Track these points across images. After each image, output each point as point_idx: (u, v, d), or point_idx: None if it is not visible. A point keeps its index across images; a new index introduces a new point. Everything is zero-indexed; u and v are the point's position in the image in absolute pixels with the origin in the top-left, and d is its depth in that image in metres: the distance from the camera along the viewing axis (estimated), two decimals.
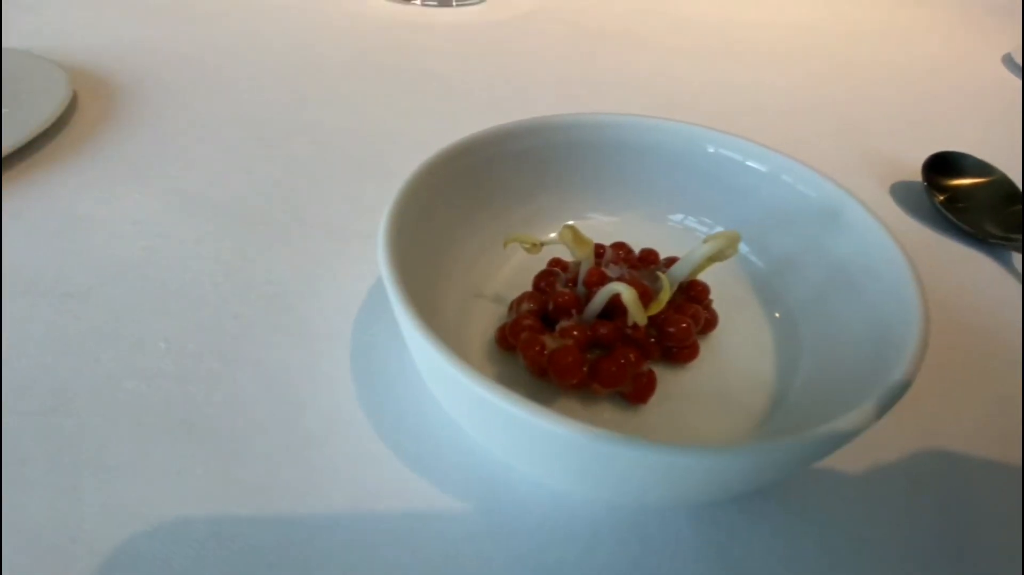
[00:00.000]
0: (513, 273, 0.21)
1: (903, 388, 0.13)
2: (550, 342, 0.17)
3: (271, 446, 0.16)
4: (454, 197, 0.19)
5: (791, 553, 0.15)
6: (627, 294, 0.16)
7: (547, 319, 0.18)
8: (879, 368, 0.15)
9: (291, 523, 0.15)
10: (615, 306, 0.17)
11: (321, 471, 0.16)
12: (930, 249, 0.26)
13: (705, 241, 0.17)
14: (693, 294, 0.19)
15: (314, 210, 0.25)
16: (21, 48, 0.33)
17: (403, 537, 0.15)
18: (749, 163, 0.21)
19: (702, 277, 0.19)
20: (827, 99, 0.39)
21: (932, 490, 0.17)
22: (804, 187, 0.20)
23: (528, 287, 0.19)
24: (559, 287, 0.18)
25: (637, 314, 0.16)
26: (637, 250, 0.20)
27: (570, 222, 0.21)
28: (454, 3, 0.48)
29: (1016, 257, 0.26)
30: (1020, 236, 0.26)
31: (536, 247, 0.18)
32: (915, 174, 0.30)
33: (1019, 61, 0.46)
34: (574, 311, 0.17)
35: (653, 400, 0.17)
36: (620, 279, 0.17)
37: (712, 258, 0.17)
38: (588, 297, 0.18)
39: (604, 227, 0.22)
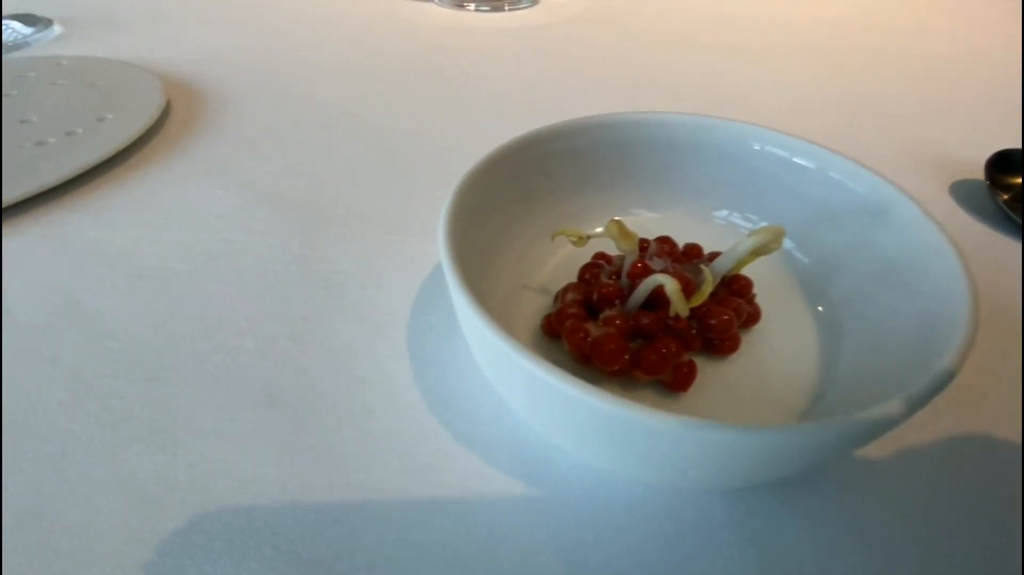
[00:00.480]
0: (559, 266, 0.22)
1: (948, 377, 0.13)
2: (594, 329, 0.18)
3: (335, 417, 0.18)
4: (507, 192, 0.20)
5: (826, 543, 0.15)
6: (670, 285, 0.16)
7: (591, 309, 0.19)
8: (923, 363, 0.15)
9: (351, 487, 0.17)
10: (658, 297, 0.18)
11: (378, 442, 0.18)
12: (993, 249, 0.25)
13: (749, 235, 0.17)
14: (736, 288, 0.19)
15: (374, 207, 0.27)
16: (121, 59, 0.37)
17: (450, 507, 0.16)
18: (796, 160, 0.21)
19: (746, 272, 0.19)
20: (881, 96, 0.38)
21: (975, 486, 0.17)
22: (853, 183, 0.20)
23: (574, 279, 0.20)
24: (603, 279, 0.19)
25: (679, 305, 0.17)
26: (681, 245, 0.21)
27: (616, 217, 0.22)
28: (506, 7, 0.49)
29: None
30: None
31: (583, 240, 0.19)
32: (977, 172, 0.29)
33: None
34: (617, 301, 0.18)
35: (693, 390, 0.18)
36: (663, 272, 0.18)
37: (756, 252, 0.18)
38: (631, 289, 0.18)
39: (649, 223, 0.23)
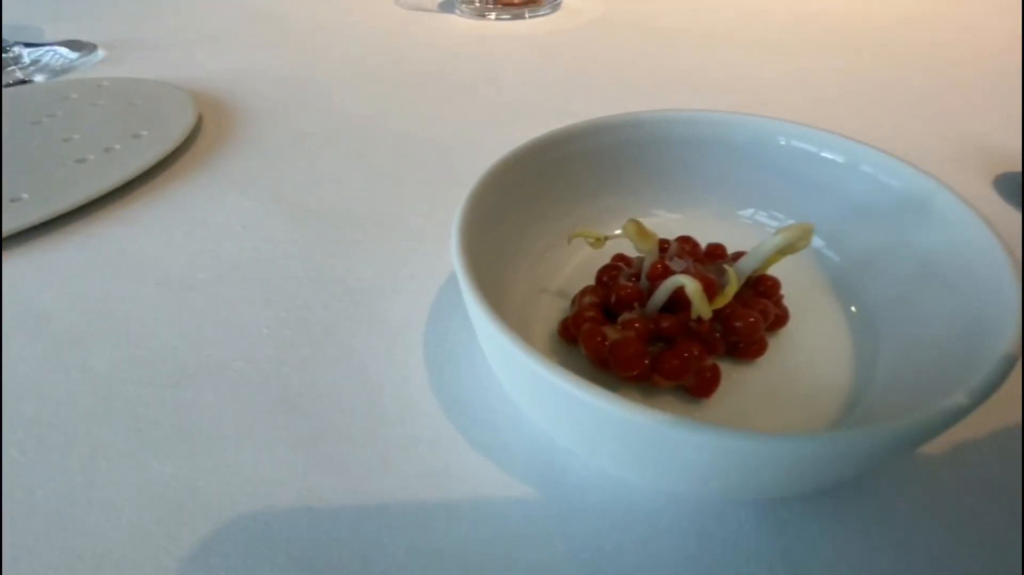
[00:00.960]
0: (577, 269, 0.21)
1: (999, 379, 0.12)
2: (612, 333, 0.17)
3: (352, 423, 0.18)
4: (523, 195, 0.20)
5: (865, 560, 0.14)
6: (691, 286, 0.16)
7: (609, 312, 0.18)
8: (970, 366, 0.14)
9: (367, 493, 0.16)
10: (679, 299, 0.17)
11: (395, 449, 0.17)
12: None
13: (776, 233, 0.17)
14: (762, 289, 0.18)
15: (394, 214, 0.27)
16: (158, 79, 0.38)
17: (466, 514, 0.16)
18: (824, 154, 0.20)
19: (773, 272, 0.18)
20: (918, 89, 0.36)
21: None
22: (886, 177, 0.19)
23: (591, 282, 0.20)
24: (622, 281, 0.19)
25: (701, 307, 0.16)
26: (704, 245, 0.20)
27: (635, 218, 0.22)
28: (526, 15, 0.49)
29: None
30: None
31: (600, 241, 0.19)
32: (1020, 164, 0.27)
33: None
34: (637, 304, 0.18)
35: (716, 396, 0.17)
36: (684, 272, 0.17)
37: (783, 251, 0.17)
38: (651, 291, 0.18)
39: (670, 224, 0.22)
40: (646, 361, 0.17)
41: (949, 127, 0.32)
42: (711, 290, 0.17)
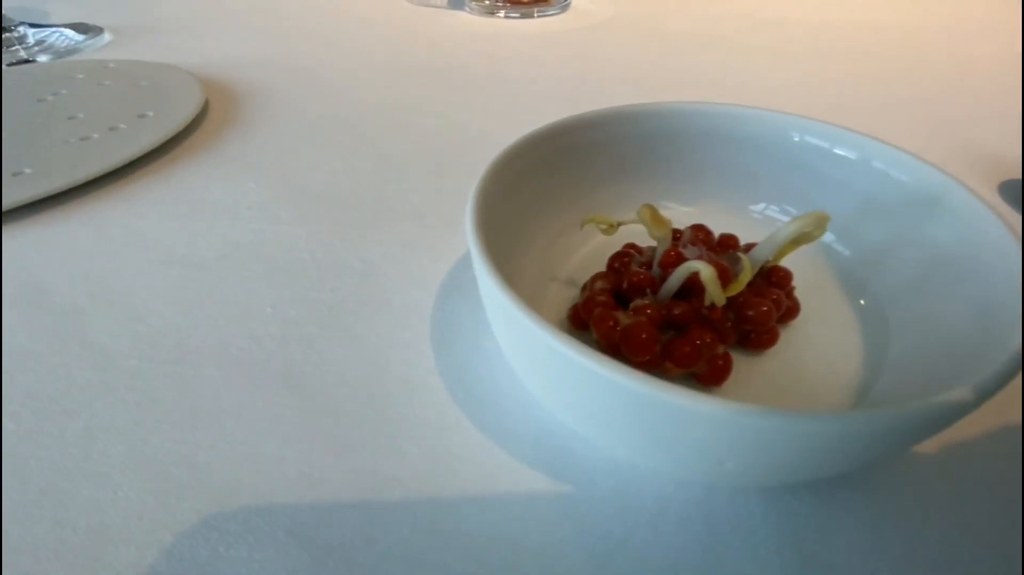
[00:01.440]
0: (588, 257, 0.21)
1: (1014, 369, 0.12)
2: (623, 318, 0.17)
3: (356, 404, 0.18)
4: (536, 180, 0.20)
5: (875, 549, 0.14)
6: (706, 272, 0.16)
7: (621, 299, 0.18)
8: (983, 354, 0.13)
9: (370, 474, 0.16)
10: (692, 287, 0.17)
11: (399, 430, 0.17)
12: None
13: (791, 222, 0.17)
14: (775, 280, 0.18)
15: (401, 200, 0.27)
16: (166, 63, 0.38)
17: (471, 498, 0.16)
18: (837, 150, 0.20)
19: (783, 264, 0.18)
20: (925, 98, 0.37)
21: None
22: (897, 173, 0.19)
23: (602, 270, 0.19)
24: (634, 267, 0.18)
25: (715, 294, 0.16)
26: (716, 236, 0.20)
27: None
28: (535, 14, 0.49)
29: None
30: None
31: (613, 228, 0.18)
32: None
33: None
34: (649, 290, 0.18)
35: (727, 385, 0.17)
36: (698, 260, 0.17)
37: (797, 240, 0.17)
38: (663, 279, 0.18)
39: (682, 217, 0.22)
40: (658, 347, 0.17)
41: (954, 134, 0.32)
42: (725, 277, 0.17)
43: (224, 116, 0.34)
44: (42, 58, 0.42)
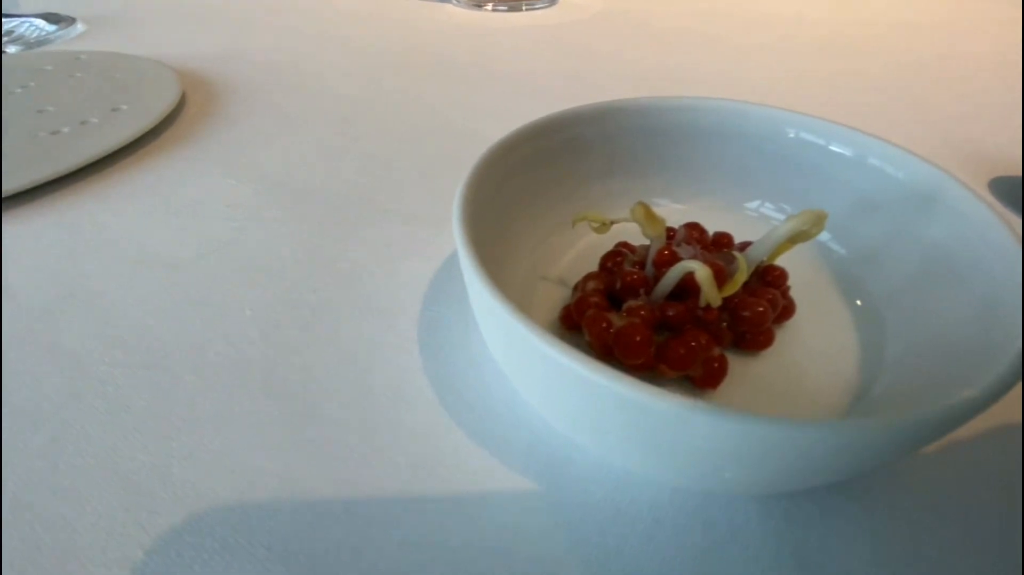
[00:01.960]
0: (579, 256, 0.20)
1: (1018, 371, 0.12)
2: (617, 320, 0.16)
3: (339, 410, 0.17)
4: (526, 177, 0.19)
5: (874, 557, 0.14)
6: (701, 272, 0.15)
7: (614, 300, 0.18)
8: (984, 357, 0.13)
9: (354, 484, 0.15)
10: (686, 287, 0.17)
11: (385, 437, 0.16)
12: None
13: (788, 219, 0.16)
14: (770, 279, 0.18)
15: (387, 198, 0.26)
16: (141, 55, 0.37)
17: (461, 507, 0.15)
18: (832, 147, 0.20)
19: (778, 263, 0.18)
20: (915, 95, 0.37)
21: None
22: (894, 170, 0.18)
23: (594, 270, 0.19)
24: (627, 267, 0.18)
25: (711, 294, 0.16)
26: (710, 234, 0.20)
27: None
28: (523, 7, 0.49)
29: None
30: None
31: (605, 226, 0.18)
32: (1016, 168, 0.27)
33: None
34: (642, 291, 0.17)
35: (723, 387, 0.16)
36: (693, 259, 0.17)
37: (794, 238, 0.16)
38: (657, 279, 0.17)
39: (675, 214, 0.21)
40: (652, 349, 0.16)
41: (944, 131, 0.32)
42: (720, 277, 0.16)
43: (202, 110, 0.33)
44: (11, 49, 0.41)
